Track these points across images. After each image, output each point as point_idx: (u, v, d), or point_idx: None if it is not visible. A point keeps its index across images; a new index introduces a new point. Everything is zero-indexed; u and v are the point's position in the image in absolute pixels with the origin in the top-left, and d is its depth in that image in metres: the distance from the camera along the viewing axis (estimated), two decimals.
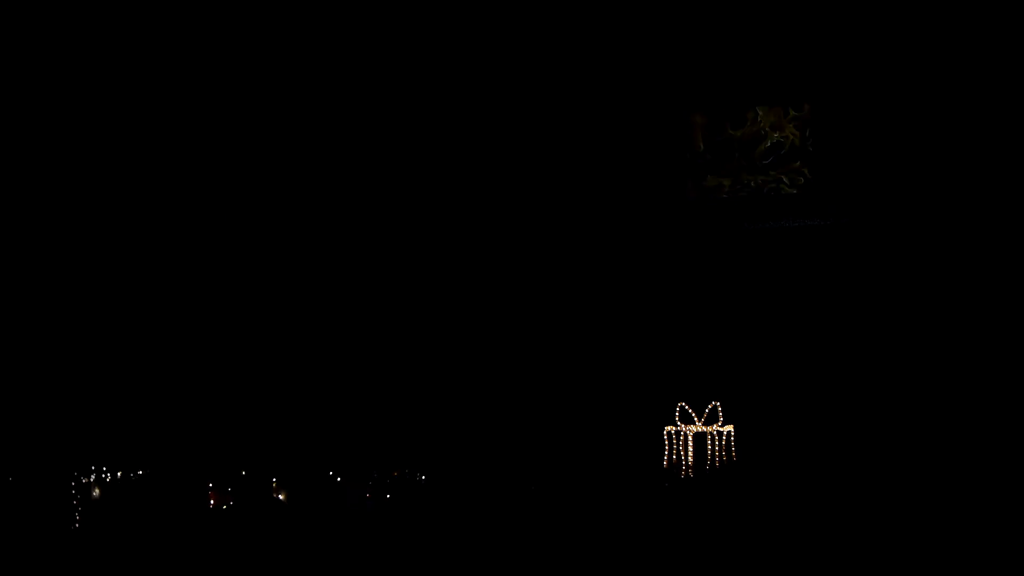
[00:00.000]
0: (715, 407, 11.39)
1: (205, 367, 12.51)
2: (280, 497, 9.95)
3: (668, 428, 11.52)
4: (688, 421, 11.43)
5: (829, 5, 11.85)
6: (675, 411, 11.48)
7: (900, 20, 11.70)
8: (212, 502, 9.79)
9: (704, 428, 11.37)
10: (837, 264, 11.93)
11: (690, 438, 11.41)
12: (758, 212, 12.38)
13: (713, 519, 8.23)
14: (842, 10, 11.83)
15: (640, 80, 12.42)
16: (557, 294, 12.44)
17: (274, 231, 12.85)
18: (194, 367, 12.51)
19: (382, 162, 12.80)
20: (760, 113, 12.47)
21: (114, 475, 10.04)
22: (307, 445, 11.93)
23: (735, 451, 11.30)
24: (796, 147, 12.37)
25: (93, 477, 9.80)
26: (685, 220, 12.55)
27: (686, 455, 11.37)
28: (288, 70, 12.65)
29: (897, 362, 11.46)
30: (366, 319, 12.68)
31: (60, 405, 12.08)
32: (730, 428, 11.35)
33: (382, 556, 7.87)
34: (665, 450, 11.51)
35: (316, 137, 12.80)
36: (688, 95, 12.57)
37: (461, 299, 12.57)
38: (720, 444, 11.33)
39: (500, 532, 8.16)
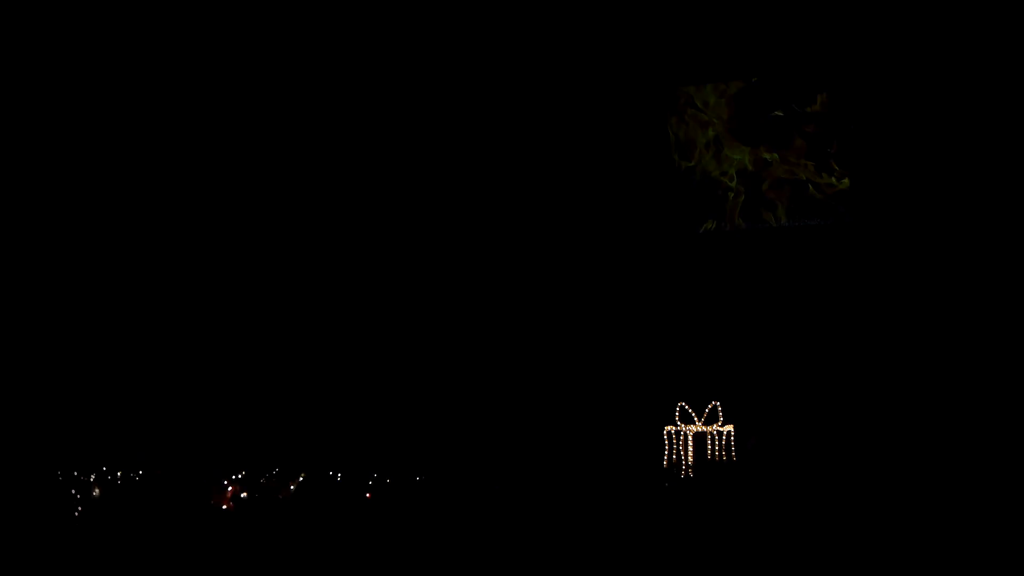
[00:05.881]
0: (715, 407, 11.39)
1: (206, 368, 12.52)
2: (280, 497, 9.95)
3: (668, 428, 11.53)
4: (688, 421, 11.43)
5: (835, 5, 11.86)
6: (675, 411, 11.49)
7: (904, 20, 11.69)
8: (212, 501, 9.78)
9: (704, 428, 11.38)
10: (837, 264, 11.93)
11: (690, 438, 11.41)
12: None
13: (713, 519, 8.22)
14: (846, 10, 11.83)
15: (640, 80, 12.44)
16: (557, 294, 12.45)
17: (273, 232, 12.86)
18: (195, 368, 12.53)
19: (382, 167, 12.81)
20: None
21: (114, 475, 10.05)
22: (307, 445, 11.93)
23: (735, 451, 11.31)
24: None
25: (93, 477, 9.80)
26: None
27: (686, 455, 11.38)
28: (288, 70, 12.67)
29: (898, 361, 11.46)
30: (368, 321, 12.69)
31: (61, 405, 12.08)
32: (730, 428, 11.36)
33: (382, 556, 7.87)
34: (665, 450, 11.52)
35: (316, 137, 12.81)
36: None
37: (461, 299, 12.58)
38: (720, 444, 11.33)
39: (499, 532, 8.16)
